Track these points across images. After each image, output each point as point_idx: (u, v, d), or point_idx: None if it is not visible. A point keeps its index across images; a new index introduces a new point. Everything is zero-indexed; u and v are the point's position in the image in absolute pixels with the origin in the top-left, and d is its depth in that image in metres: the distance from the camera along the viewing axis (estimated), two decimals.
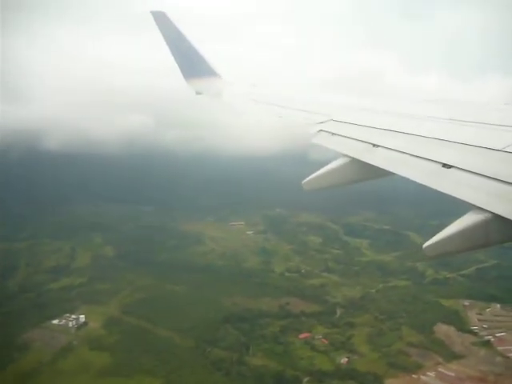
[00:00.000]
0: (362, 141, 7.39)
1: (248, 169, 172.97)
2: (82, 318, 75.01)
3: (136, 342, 68.70)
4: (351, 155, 7.09)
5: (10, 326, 69.54)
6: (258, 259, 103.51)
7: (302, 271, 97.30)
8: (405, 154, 6.29)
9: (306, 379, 61.31)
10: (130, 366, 62.30)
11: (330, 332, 72.61)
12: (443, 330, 74.04)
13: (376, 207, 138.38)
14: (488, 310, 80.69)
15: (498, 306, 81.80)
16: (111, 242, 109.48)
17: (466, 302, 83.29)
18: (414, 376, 62.34)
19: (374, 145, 7.05)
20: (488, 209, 4.37)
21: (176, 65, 18.79)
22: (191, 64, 18.50)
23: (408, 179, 5.69)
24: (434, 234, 4.54)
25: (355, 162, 6.96)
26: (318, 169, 7.24)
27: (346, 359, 65.64)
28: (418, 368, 63.78)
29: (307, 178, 7.21)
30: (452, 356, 66.67)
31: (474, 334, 73.18)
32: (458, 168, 5.24)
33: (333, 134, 8.36)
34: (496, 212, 4.28)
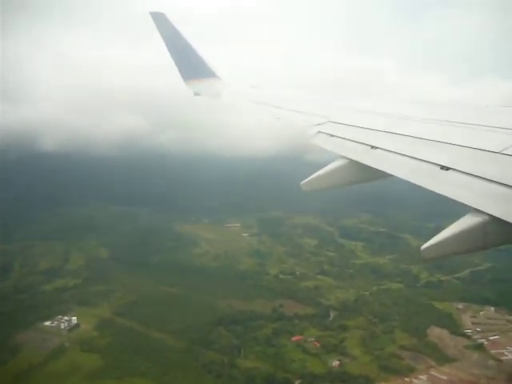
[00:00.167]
0: (361, 142, 7.42)
1: (245, 170, 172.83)
2: (74, 319, 74.80)
3: (128, 344, 68.55)
4: (350, 157, 7.14)
5: (2, 328, 69.19)
6: (252, 261, 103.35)
7: (297, 273, 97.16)
8: (403, 156, 6.32)
9: (297, 382, 61.17)
10: (121, 368, 62.14)
11: (323, 335, 72.38)
12: (436, 333, 73.93)
13: (372, 209, 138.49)
14: (482, 313, 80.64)
15: (492, 308, 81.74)
16: (106, 243, 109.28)
17: (460, 305, 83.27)
18: (406, 379, 62.15)
19: (372, 146, 7.08)
20: (486, 211, 4.38)
21: (174, 66, 18.81)
22: (190, 65, 18.52)
23: (406, 181, 5.72)
24: (430, 237, 4.54)
25: (354, 164, 7.00)
26: (314, 170, 7.29)
27: (338, 362, 65.46)
28: (410, 371, 63.62)
29: (306, 179, 7.25)
30: (444, 359, 66.53)
31: (468, 337, 73.09)
32: (456, 170, 5.25)
33: (331, 135, 8.40)
34: (494, 214, 4.28)
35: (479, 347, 69.74)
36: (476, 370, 63.99)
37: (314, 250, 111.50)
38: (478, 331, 74.45)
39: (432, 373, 63.64)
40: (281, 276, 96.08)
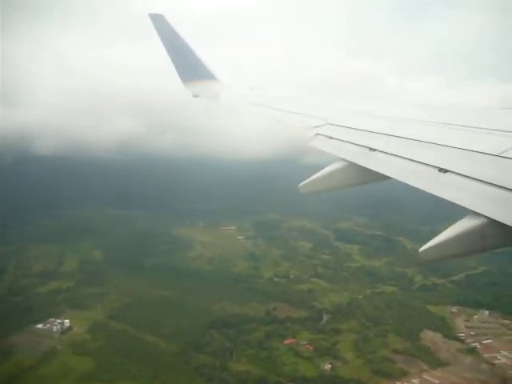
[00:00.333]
0: (359, 145, 7.42)
1: (241, 173, 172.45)
2: (67, 322, 74.60)
3: (120, 347, 68.46)
4: (348, 159, 7.13)
5: None
6: (247, 264, 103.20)
7: (291, 276, 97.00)
8: (401, 158, 6.33)
9: None
10: (113, 371, 62.07)
11: (316, 338, 72.22)
12: (430, 336, 73.83)
13: (368, 213, 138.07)
14: (476, 316, 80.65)
15: (487, 312, 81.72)
16: (101, 246, 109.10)
17: (454, 309, 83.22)
18: (397, 383, 62.09)
19: (370, 149, 7.07)
20: (484, 214, 4.35)
21: (173, 67, 18.85)
22: (188, 67, 18.54)
23: (403, 183, 5.71)
24: (426, 240, 4.54)
25: (352, 166, 6.99)
26: (311, 173, 7.27)
27: (330, 365, 65.29)
28: (402, 375, 63.57)
29: (304, 182, 7.25)
30: (437, 363, 66.47)
31: (461, 340, 73.03)
32: (455, 172, 5.24)
33: (330, 137, 8.39)
34: (492, 217, 4.25)
35: (472, 351, 69.71)
36: (468, 374, 63.97)
37: (309, 253, 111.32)
38: (472, 335, 74.43)
39: (424, 377, 63.57)
40: (275, 279, 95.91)
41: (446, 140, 6.23)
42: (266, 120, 12.42)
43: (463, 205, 4.63)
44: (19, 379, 59.89)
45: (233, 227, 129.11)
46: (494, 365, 65.92)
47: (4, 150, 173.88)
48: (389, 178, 6.23)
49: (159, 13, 17.95)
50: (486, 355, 68.45)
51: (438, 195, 5.00)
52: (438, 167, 5.52)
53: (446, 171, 5.36)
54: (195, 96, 18.09)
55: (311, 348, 69.61)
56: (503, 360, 67.10)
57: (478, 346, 70.89)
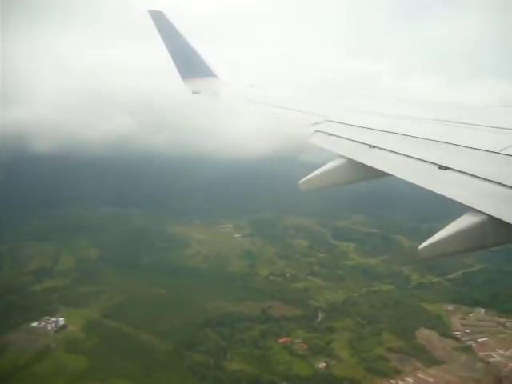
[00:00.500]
0: (359, 142, 7.43)
1: (238, 171, 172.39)
2: (62, 320, 74.33)
3: (114, 345, 68.23)
4: (348, 156, 7.14)
5: None
6: (243, 262, 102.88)
7: (287, 275, 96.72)
8: (401, 156, 6.33)
9: None
10: (106, 369, 61.79)
11: (310, 336, 72.01)
12: (425, 334, 73.67)
13: (366, 210, 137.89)
14: (472, 314, 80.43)
15: (483, 310, 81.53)
16: (97, 244, 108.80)
17: (450, 307, 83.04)
18: (391, 381, 61.92)
19: (370, 146, 7.07)
20: (484, 211, 4.38)
21: (172, 65, 18.75)
22: (188, 64, 18.50)
23: (403, 181, 5.73)
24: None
25: (352, 163, 7.00)
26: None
27: (324, 364, 65.13)
28: (396, 373, 63.39)
29: (304, 178, 7.28)
30: (432, 361, 66.28)
31: (456, 339, 72.87)
32: (455, 170, 5.27)
33: (329, 134, 8.39)
34: (492, 214, 4.28)
35: (467, 349, 69.56)
36: (463, 373, 63.82)
37: (305, 251, 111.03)
38: (467, 333, 74.27)
39: (419, 375, 63.41)
40: (271, 277, 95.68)
41: (446, 137, 6.24)
42: (265, 117, 12.43)
43: (463, 202, 4.65)
44: (12, 378, 59.50)
45: (229, 225, 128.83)
46: (488, 363, 65.77)
47: (1, 149, 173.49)
48: (389, 175, 6.25)
49: (159, 10, 17.91)
50: (481, 353, 68.33)
51: (438, 192, 5.02)
52: (438, 164, 5.54)
53: (446, 168, 5.39)
54: (194, 93, 17.96)
55: (305, 346, 69.40)
56: (498, 358, 66.95)
57: (474, 344, 70.76)
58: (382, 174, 6.48)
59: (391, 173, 6.14)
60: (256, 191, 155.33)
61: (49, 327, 72.87)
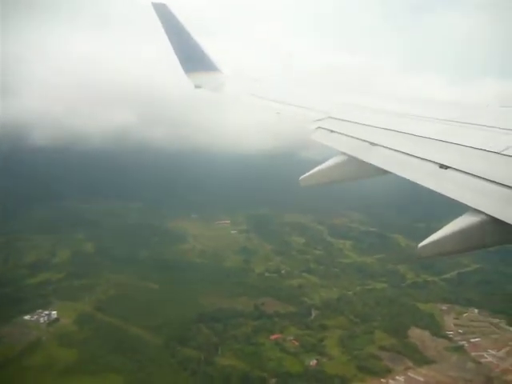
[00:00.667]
0: (360, 139, 7.42)
1: (238, 167, 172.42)
2: (54, 314, 74.51)
3: (106, 339, 68.23)
4: (349, 153, 7.14)
5: None
6: (238, 258, 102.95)
7: (282, 272, 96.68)
8: (402, 154, 6.34)
9: (272, 381, 60.76)
10: (97, 363, 61.83)
11: (302, 334, 71.98)
12: (417, 334, 73.58)
13: (364, 209, 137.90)
14: (465, 314, 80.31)
15: (476, 310, 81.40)
16: (93, 238, 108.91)
17: (444, 307, 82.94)
18: (382, 380, 61.91)
19: (371, 143, 7.08)
20: (484, 211, 4.37)
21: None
22: (191, 57, 18.31)
23: (402, 179, 5.74)
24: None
25: (353, 160, 7.00)
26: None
27: (315, 361, 65.06)
28: (387, 372, 63.31)
29: (304, 175, 7.25)
30: (423, 361, 66.20)
31: (449, 338, 72.84)
32: (455, 169, 5.26)
33: (331, 131, 8.39)
34: (492, 214, 4.27)
35: (459, 349, 69.53)
36: (454, 372, 63.75)
37: (301, 248, 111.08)
38: (460, 333, 74.19)
39: (409, 374, 63.33)
40: (266, 274, 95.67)
41: (447, 136, 6.24)
42: (266, 112, 12.34)
43: (463, 201, 4.64)
44: (2, 370, 59.60)
45: (227, 221, 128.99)
46: (480, 363, 65.67)
47: (0, 141, 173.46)
48: (389, 172, 6.24)
49: (162, 2, 17.69)
50: (473, 353, 68.28)
51: (439, 191, 5.01)
52: (438, 163, 5.54)
53: (446, 167, 5.39)
54: (197, 87, 17.78)
55: (297, 344, 69.36)
56: (490, 359, 66.86)
57: (466, 345, 70.72)
58: (382, 172, 6.48)
59: (392, 171, 6.14)
60: (254, 187, 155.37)
61: (41, 320, 73.02)
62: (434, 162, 5.62)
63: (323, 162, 7.29)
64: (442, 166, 5.45)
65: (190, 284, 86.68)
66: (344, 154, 7.20)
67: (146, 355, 64.40)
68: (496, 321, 77.33)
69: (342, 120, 8.81)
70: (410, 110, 8.63)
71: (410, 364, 65.31)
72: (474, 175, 4.94)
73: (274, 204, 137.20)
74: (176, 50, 18.23)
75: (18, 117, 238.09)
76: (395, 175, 6.00)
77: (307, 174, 7.25)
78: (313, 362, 64.96)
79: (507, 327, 75.80)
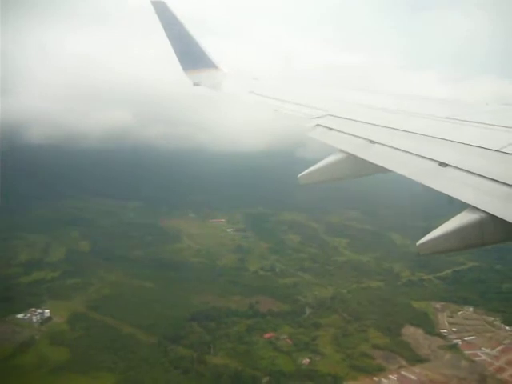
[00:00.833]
0: (359, 137, 7.45)
1: (234, 165, 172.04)
2: (47, 312, 74.30)
3: (98, 338, 68.02)
4: (348, 151, 7.12)
5: None
6: (233, 257, 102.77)
7: (277, 270, 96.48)
8: (402, 152, 6.36)
9: (265, 379, 60.49)
10: (88, 362, 61.64)
11: (296, 332, 71.71)
12: (411, 332, 73.27)
13: (361, 207, 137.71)
14: (460, 313, 79.94)
15: (471, 309, 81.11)
16: (88, 236, 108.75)
17: (438, 305, 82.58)
18: (374, 379, 61.52)
19: (370, 141, 7.10)
20: (483, 208, 4.36)
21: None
22: (190, 54, 18.22)
23: (400, 177, 5.74)
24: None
25: (352, 158, 6.99)
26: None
27: (308, 360, 64.76)
28: (380, 370, 62.99)
29: (303, 172, 7.26)
30: (417, 359, 65.89)
31: (443, 337, 72.51)
32: (455, 167, 5.28)
33: (330, 128, 8.40)
34: (491, 212, 4.26)
35: (453, 347, 69.28)
36: (447, 371, 63.44)
37: (297, 246, 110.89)
38: (454, 331, 73.89)
39: (402, 372, 63.02)
40: (260, 272, 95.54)
41: (446, 134, 6.29)
42: (264, 110, 12.31)
43: (462, 199, 4.64)
44: None
45: (222, 219, 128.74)
46: (473, 362, 65.37)
47: None
48: (388, 170, 6.21)
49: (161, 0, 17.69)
50: (467, 352, 67.98)
51: (438, 189, 5.00)
52: (438, 161, 5.56)
53: (446, 165, 5.40)
54: (196, 85, 17.63)
55: (291, 342, 69.10)
56: (483, 357, 66.54)
57: (460, 343, 70.42)
58: (382, 170, 6.43)
59: (391, 169, 6.10)
60: (251, 186, 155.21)
61: (34, 319, 72.83)
62: (433, 160, 5.64)
63: (320, 160, 7.28)
64: (441, 164, 5.46)
65: (185, 283, 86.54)
66: (343, 151, 7.18)
67: (138, 354, 64.23)
68: (491, 319, 77.06)
69: (341, 118, 8.87)
70: (409, 107, 8.74)
71: (404, 362, 64.98)
72: (474, 173, 4.95)
73: (271, 202, 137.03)
74: (175, 47, 18.17)
75: (14, 115, 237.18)
76: (394, 173, 5.99)
77: (306, 171, 7.25)
78: (305, 361, 64.66)
79: (502, 325, 75.48)
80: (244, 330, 72.03)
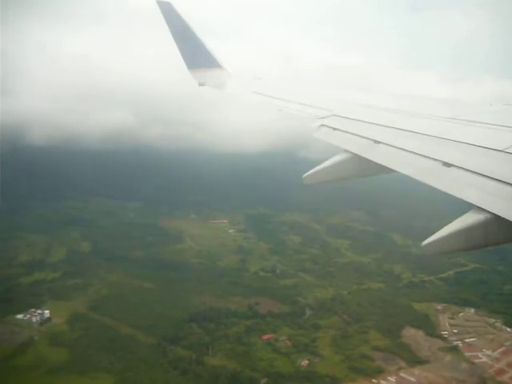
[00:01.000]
0: (364, 137, 7.46)
1: (236, 166, 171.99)
2: (47, 313, 74.29)
3: (97, 338, 67.96)
4: (353, 151, 7.15)
5: None
6: (234, 258, 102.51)
7: (277, 271, 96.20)
8: (406, 152, 6.38)
9: (263, 381, 60.31)
10: (86, 362, 61.58)
11: (295, 333, 71.48)
12: (411, 334, 72.92)
13: (363, 207, 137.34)
14: (461, 314, 79.52)
15: (472, 310, 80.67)
16: (89, 237, 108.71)
17: (440, 306, 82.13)
18: (373, 381, 61.30)
19: (375, 141, 7.11)
20: (488, 209, 4.37)
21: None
22: (195, 54, 18.37)
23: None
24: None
25: (356, 158, 7.03)
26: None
27: (307, 361, 64.52)
28: (379, 372, 62.74)
29: (308, 173, 7.26)
30: (416, 361, 65.57)
31: (443, 338, 72.08)
32: (459, 167, 5.29)
33: (334, 129, 8.42)
34: (496, 212, 4.26)
35: (453, 349, 68.91)
36: (447, 373, 63.13)
37: (298, 247, 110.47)
38: (455, 333, 73.48)
39: (401, 374, 62.73)
40: (261, 273, 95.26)
41: (450, 134, 6.29)
42: (268, 110, 12.27)
43: (467, 199, 4.64)
44: None
45: (225, 220, 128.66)
46: (474, 364, 64.92)
47: None
48: (393, 171, 6.24)
49: (167, 0, 17.82)
50: (467, 354, 67.56)
51: (442, 189, 5.00)
52: (442, 161, 5.56)
53: (450, 166, 5.40)
54: (201, 84, 17.73)
55: (290, 343, 68.88)
56: (484, 359, 66.11)
57: (460, 345, 69.99)
58: (385, 170, 6.45)
59: (396, 169, 6.12)
60: (253, 186, 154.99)
61: (34, 320, 72.80)
62: (437, 160, 5.64)
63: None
64: (445, 164, 5.46)
65: (185, 283, 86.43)
66: (348, 151, 7.18)
67: (136, 355, 64.20)
68: (492, 321, 76.58)
69: (345, 118, 8.88)
70: (411, 107, 8.79)
71: (403, 364, 64.69)
72: (478, 173, 4.95)
73: (273, 203, 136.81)
74: (180, 47, 18.29)
75: (14, 115, 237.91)
76: (398, 173, 6.00)
77: (311, 171, 7.24)
78: (304, 362, 64.44)
79: (504, 327, 75.00)
80: (243, 331, 71.82)
